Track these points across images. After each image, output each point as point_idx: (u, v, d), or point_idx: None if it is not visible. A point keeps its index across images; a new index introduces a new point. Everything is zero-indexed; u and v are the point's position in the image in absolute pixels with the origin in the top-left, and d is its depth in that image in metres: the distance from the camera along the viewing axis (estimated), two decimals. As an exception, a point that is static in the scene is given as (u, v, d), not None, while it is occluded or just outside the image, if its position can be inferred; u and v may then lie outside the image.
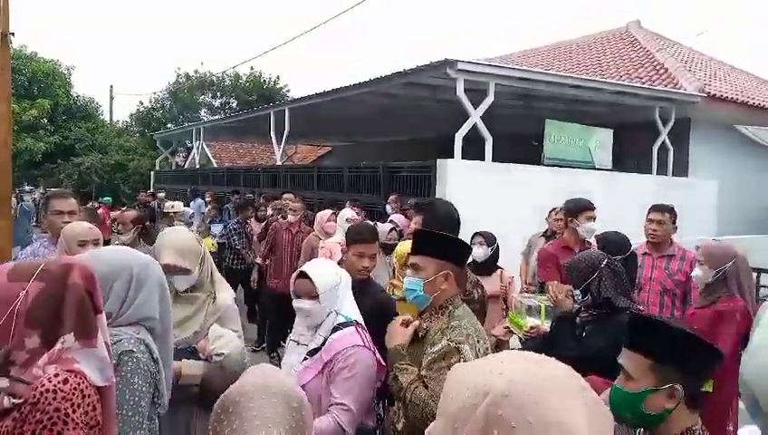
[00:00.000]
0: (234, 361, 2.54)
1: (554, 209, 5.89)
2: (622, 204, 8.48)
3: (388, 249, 4.74)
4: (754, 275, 4.58)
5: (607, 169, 9.29)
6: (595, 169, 9.15)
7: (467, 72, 7.73)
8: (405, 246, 3.52)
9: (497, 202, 7.23)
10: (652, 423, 1.67)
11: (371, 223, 4.60)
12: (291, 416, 1.34)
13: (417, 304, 2.30)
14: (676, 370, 1.64)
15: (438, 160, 7.66)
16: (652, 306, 4.06)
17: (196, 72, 29.38)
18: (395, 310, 3.38)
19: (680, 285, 4.07)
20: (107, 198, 15.79)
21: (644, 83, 10.73)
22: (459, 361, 1.95)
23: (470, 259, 4.32)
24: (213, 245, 7.92)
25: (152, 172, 21.93)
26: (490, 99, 8.04)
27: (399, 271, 3.52)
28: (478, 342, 2.10)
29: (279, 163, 13.74)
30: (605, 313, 2.77)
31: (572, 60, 14.88)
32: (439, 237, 2.35)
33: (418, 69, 8.14)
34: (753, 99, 11.80)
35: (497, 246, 4.37)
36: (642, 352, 1.68)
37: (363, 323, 2.52)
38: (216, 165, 20.86)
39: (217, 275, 2.84)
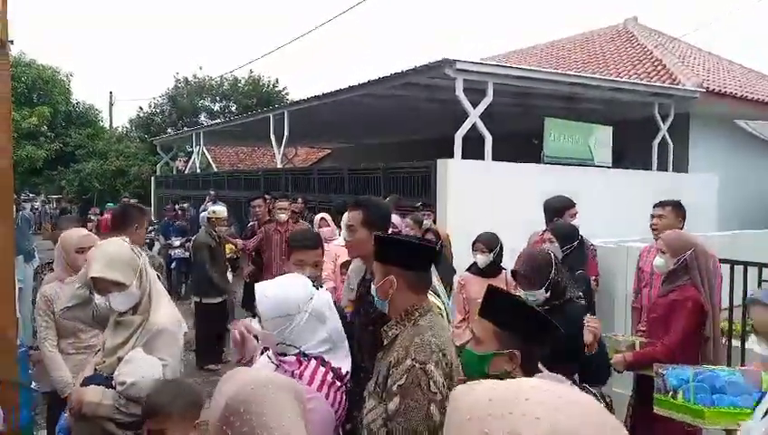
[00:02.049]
0: (140, 391, 2.21)
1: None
2: (623, 201, 8.49)
3: None
4: (756, 270, 4.55)
5: (607, 166, 9.29)
6: (595, 166, 9.15)
7: (466, 71, 7.73)
8: None
9: (498, 201, 7.22)
10: None
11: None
12: (298, 406, 1.36)
13: (382, 309, 2.20)
14: (516, 337, 1.84)
15: (438, 160, 7.66)
16: None
17: (194, 76, 29.48)
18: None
19: None
20: (110, 204, 15.83)
21: (642, 80, 10.73)
22: (428, 383, 1.92)
23: (473, 265, 4.37)
24: (231, 250, 7.67)
25: (153, 177, 21.96)
26: (489, 98, 8.04)
27: None
28: (444, 356, 2.00)
29: (279, 166, 13.75)
30: (557, 304, 2.87)
31: (571, 58, 14.89)
32: (379, 241, 2.19)
33: (417, 69, 8.14)
34: (753, 93, 11.80)
35: (501, 246, 4.39)
36: (489, 319, 1.88)
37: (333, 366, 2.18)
38: (216, 169, 20.88)
39: (157, 292, 2.57)
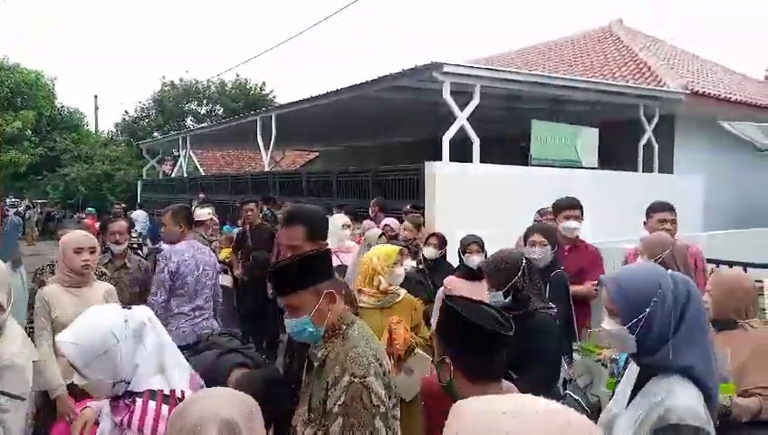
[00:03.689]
0: None
1: (541, 209, 5.91)
2: (609, 202, 8.57)
3: None
4: (740, 269, 4.62)
5: (593, 168, 9.37)
6: (582, 168, 9.22)
7: (453, 74, 7.76)
8: (379, 249, 3.56)
9: (485, 204, 7.25)
10: (451, 393, 1.76)
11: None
12: (242, 408, 1.28)
13: (315, 339, 2.05)
14: (444, 343, 1.79)
15: (426, 163, 7.68)
16: None
17: (181, 80, 29.30)
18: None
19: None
20: (91, 209, 15.72)
21: (628, 82, 10.84)
22: (370, 397, 1.85)
23: (464, 266, 4.31)
24: (230, 255, 7.35)
25: (139, 181, 21.81)
26: (476, 101, 8.08)
27: (381, 272, 3.39)
28: (381, 365, 1.94)
29: (267, 169, 13.71)
30: (521, 313, 2.72)
31: (557, 60, 15.00)
32: (299, 265, 2.02)
33: (405, 72, 8.16)
34: (736, 95, 11.95)
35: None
36: (436, 328, 1.86)
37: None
38: (203, 173, 20.77)
39: (10, 323, 2.21)
